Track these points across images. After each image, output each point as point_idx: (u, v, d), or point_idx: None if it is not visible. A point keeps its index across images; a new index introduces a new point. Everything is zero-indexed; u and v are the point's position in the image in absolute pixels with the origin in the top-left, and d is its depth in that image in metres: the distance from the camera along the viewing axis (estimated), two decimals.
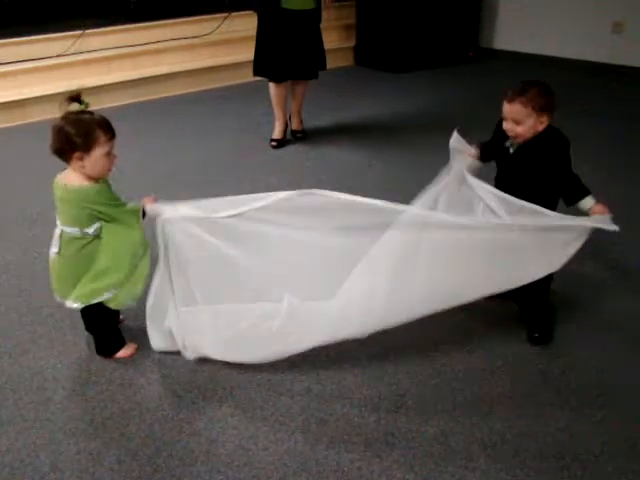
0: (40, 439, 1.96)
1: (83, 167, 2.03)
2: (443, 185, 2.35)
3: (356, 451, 1.92)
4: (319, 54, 4.39)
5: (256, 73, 4.42)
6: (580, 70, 6.49)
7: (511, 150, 2.33)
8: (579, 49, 6.59)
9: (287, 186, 3.69)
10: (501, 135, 2.35)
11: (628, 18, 6.32)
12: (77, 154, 2.01)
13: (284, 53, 4.20)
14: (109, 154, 2.06)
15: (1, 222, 3.40)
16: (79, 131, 2.00)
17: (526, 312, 2.48)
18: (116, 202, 2.09)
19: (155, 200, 2.16)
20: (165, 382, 2.20)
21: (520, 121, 2.22)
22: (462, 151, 2.46)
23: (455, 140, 2.49)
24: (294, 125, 4.58)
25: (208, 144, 4.54)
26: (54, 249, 2.14)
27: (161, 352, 2.31)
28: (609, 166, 4.05)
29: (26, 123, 4.94)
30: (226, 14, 6.17)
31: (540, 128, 2.24)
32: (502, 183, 2.33)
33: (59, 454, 1.91)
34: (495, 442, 1.96)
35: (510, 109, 2.24)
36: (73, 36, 5.48)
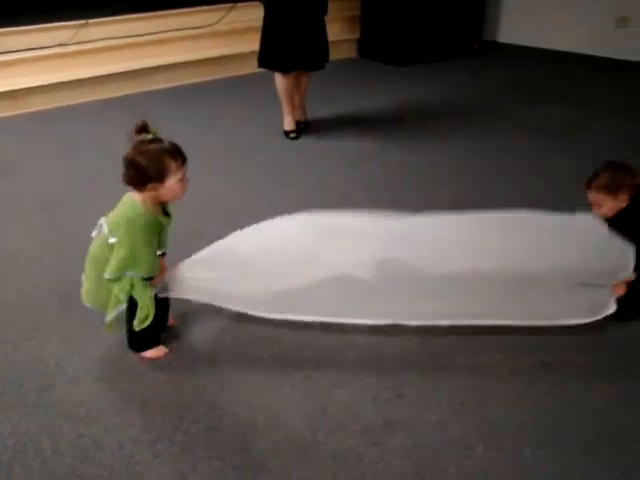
0: (42, 424, 1.98)
1: (157, 195, 2.06)
2: None
3: (355, 438, 1.93)
4: (324, 45, 4.39)
5: (262, 65, 4.40)
6: (584, 64, 6.48)
7: None
8: (583, 43, 6.56)
9: (294, 177, 3.80)
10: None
11: (632, 13, 6.30)
12: (150, 185, 2.02)
13: (292, 43, 4.19)
14: (182, 179, 2.06)
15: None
16: (150, 162, 2.00)
17: None
18: (146, 241, 2.06)
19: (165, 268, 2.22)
20: (166, 370, 2.22)
21: (600, 204, 2.42)
22: None
23: None
24: (298, 116, 4.58)
25: (214, 135, 4.54)
26: (94, 233, 2.16)
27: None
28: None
29: (28, 112, 4.95)
30: (232, 4, 6.16)
31: (623, 205, 2.41)
32: None
33: (60, 438, 1.93)
34: (494, 431, 1.97)
35: (590, 195, 2.45)
36: (75, 26, 5.47)
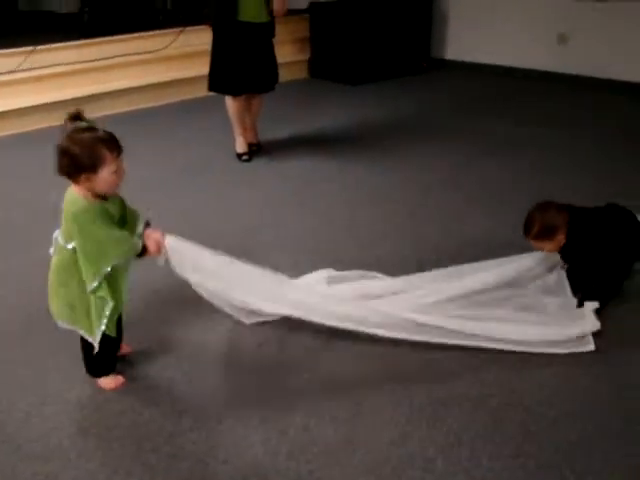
0: None
1: (92, 187, 1.98)
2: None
3: (316, 461, 1.93)
4: (274, 67, 4.43)
5: (212, 89, 4.43)
6: (528, 79, 6.67)
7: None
8: (527, 58, 6.76)
9: (249, 198, 3.80)
10: None
11: (572, 29, 6.52)
12: (84, 175, 1.94)
13: (241, 66, 4.22)
14: (117, 171, 1.99)
15: None
16: (84, 151, 1.92)
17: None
18: (103, 224, 1.99)
19: (162, 238, 2.14)
20: (123, 401, 2.19)
21: (541, 248, 2.66)
22: None
23: None
24: (249, 138, 4.59)
25: (167, 159, 4.53)
26: (51, 250, 2.11)
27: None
28: (551, 168, 4.19)
29: None
30: (181, 29, 6.17)
31: (563, 242, 2.60)
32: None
33: (14, 478, 1.89)
34: (452, 444, 2.00)
35: (530, 242, 2.67)
36: (24, 52, 5.40)
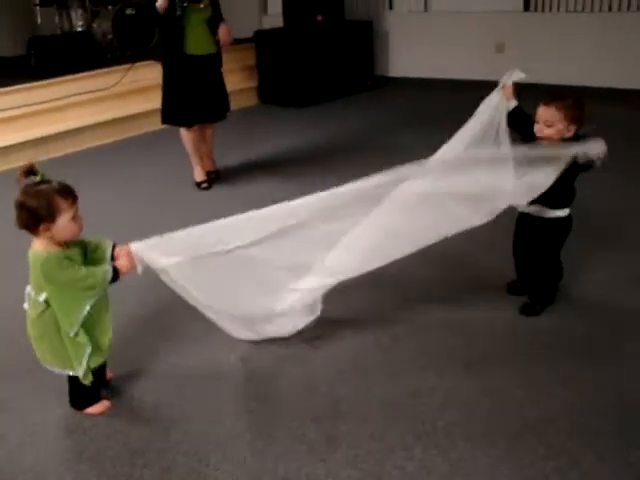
0: None
1: (52, 236, 2.07)
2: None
3: (301, 459, 2.05)
4: (224, 96, 4.57)
5: (165, 121, 4.54)
6: (469, 89, 6.92)
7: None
8: (467, 69, 7.05)
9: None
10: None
11: (507, 38, 6.84)
12: (43, 226, 2.04)
13: (192, 98, 4.35)
14: (74, 218, 2.08)
15: None
16: (40, 203, 2.02)
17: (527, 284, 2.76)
18: (69, 270, 2.08)
19: (126, 246, 2.23)
20: (111, 423, 2.27)
21: (552, 124, 2.45)
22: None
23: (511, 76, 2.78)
24: (207, 166, 4.71)
25: (126, 194, 4.60)
26: (25, 305, 2.19)
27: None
28: None
29: None
30: (130, 65, 6.27)
31: (567, 135, 2.47)
32: None
33: None
34: (428, 432, 2.13)
35: (544, 112, 2.47)
36: None
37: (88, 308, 2.12)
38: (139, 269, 2.24)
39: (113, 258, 2.22)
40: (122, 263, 2.20)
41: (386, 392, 2.34)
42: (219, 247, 2.41)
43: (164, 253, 2.31)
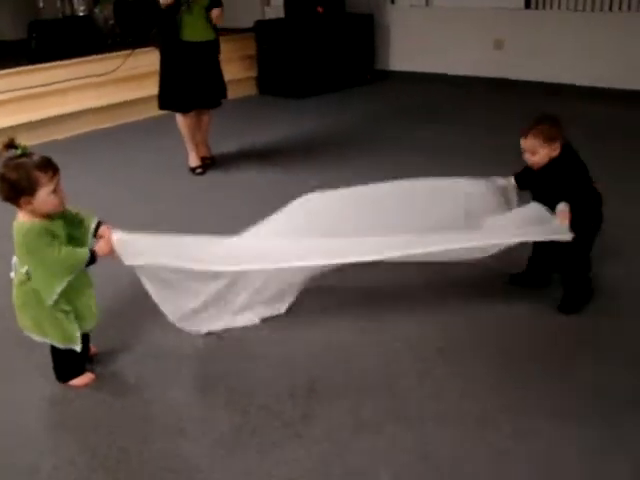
0: None
1: (33, 209, 2.13)
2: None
3: (277, 434, 2.12)
4: (221, 83, 4.62)
5: (162, 107, 4.61)
6: (467, 85, 7.00)
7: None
8: (466, 65, 7.10)
9: (204, 209, 3.97)
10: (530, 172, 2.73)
11: (506, 35, 6.88)
12: (24, 199, 2.10)
13: (188, 84, 4.41)
14: (55, 191, 2.13)
15: None
16: (20, 176, 2.07)
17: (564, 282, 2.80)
18: (48, 244, 2.13)
19: (109, 231, 2.29)
20: (94, 395, 2.34)
21: (535, 151, 2.60)
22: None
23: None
24: (202, 153, 4.77)
25: (122, 177, 4.66)
26: (12, 274, 2.25)
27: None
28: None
29: None
30: (130, 51, 6.32)
31: (554, 154, 2.60)
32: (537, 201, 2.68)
33: None
34: (399, 409, 2.20)
35: (525, 143, 2.63)
36: None
37: (65, 283, 2.18)
38: (122, 260, 2.32)
39: (96, 234, 2.29)
40: (101, 246, 2.27)
41: (361, 372, 2.41)
42: (200, 265, 2.50)
43: (141, 252, 2.37)
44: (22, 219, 2.15)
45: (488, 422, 2.14)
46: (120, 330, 2.70)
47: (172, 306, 2.57)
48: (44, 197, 2.10)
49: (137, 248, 2.36)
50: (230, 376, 2.42)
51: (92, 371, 2.43)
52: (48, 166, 2.12)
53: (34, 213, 2.14)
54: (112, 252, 2.29)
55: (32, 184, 2.08)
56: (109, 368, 2.48)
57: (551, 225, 2.51)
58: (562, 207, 2.52)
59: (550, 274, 2.91)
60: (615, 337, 2.57)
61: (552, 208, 2.55)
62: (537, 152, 2.60)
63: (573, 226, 2.49)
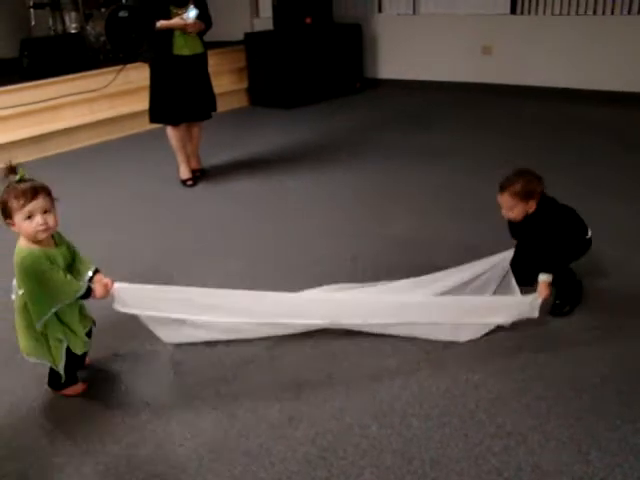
0: None
1: (20, 233, 2.20)
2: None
3: (263, 436, 2.16)
4: (211, 96, 4.69)
5: (153, 120, 4.67)
6: (456, 91, 7.07)
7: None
8: (455, 71, 7.18)
9: (196, 220, 4.02)
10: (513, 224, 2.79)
11: (494, 41, 6.97)
12: (8, 222, 2.19)
13: (178, 97, 4.47)
14: (30, 218, 2.16)
15: None
16: (2, 200, 2.17)
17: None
18: (45, 272, 2.18)
19: (111, 283, 2.35)
20: (85, 403, 2.38)
21: (512, 208, 2.66)
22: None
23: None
24: (193, 165, 4.83)
25: (114, 191, 4.70)
26: (12, 295, 2.30)
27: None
28: (484, 171, 4.50)
29: None
30: (120, 67, 6.38)
31: (530, 210, 2.66)
32: (520, 251, 2.80)
33: None
34: (385, 412, 2.24)
35: (501, 199, 2.69)
36: None
37: (55, 309, 2.24)
38: (116, 306, 2.39)
39: (90, 280, 2.35)
40: (97, 289, 2.33)
41: (348, 376, 2.45)
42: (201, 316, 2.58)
43: (140, 304, 2.44)
44: (21, 244, 2.22)
45: (473, 422, 2.17)
46: (114, 339, 2.73)
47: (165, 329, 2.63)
48: (18, 222, 2.17)
49: (137, 299, 2.43)
50: (218, 381, 2.46)
51: (84, 380, 2.47)
52: (23, 194, 2.15)
53: (27, 238, 2.20)
54: (107, 296, 2.36)
55: (7, 210, 2.17)
56: (100, 375, 2.52)
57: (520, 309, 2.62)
58: (544, 278, 2.62)
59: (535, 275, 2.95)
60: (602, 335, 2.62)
61: (536, 254, 2.67)
62: (513, 209, 2.67)
63: (554, 260, 2.65)
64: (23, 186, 2.18)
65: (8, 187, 2.18)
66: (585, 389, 2.30)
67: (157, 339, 2.68)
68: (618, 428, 2.11)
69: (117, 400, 2.38)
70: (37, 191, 2.18)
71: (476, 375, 2.41)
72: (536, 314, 2.60)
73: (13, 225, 2.19)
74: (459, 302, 2.69)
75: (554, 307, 2.78)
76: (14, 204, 2.16)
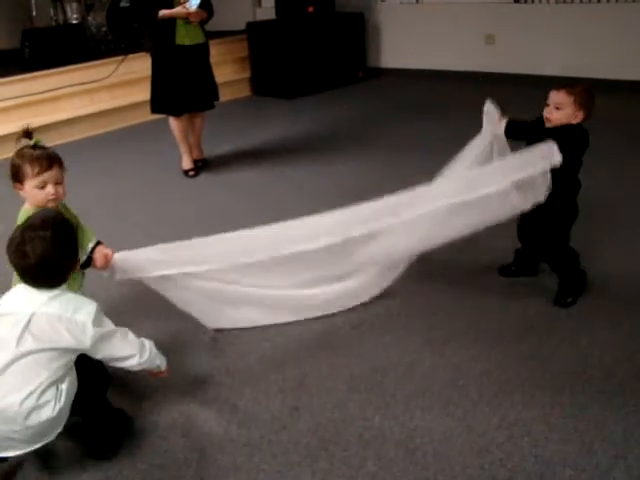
0: None
1: (25, 198, 2.20)
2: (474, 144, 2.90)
3: (265, 427, 2.15)
4: (212, 85, 4.65)
5: (154, 111, 4.64)
6: (459, 80, 7.01)
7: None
8: (457, 61, 7.12)
9: (196, 210, 4.00)
10: (537, 125, 2.67)
11: (497, 31, 6.91)
12: (17, 185, 2.19)
13: (181, 87, 4.43)
14: (43, 187, 2.16)
15: None
16: (15, 164, 2.17)
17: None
18: None
19: (111, 254, 2.31)
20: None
21: (561, 107, 2.54)
22: (493, 116, 2.87)
23: (488, 107, 2.91)
24: (195, 155, 4.80)
25: (116, 181, 4.69)
26: None
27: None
28: None
29: None
30: (122, 57, 6.35)
31: (573, 121, 2.54)
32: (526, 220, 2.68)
33: None
34: (388, 403, 2.23)
35: (555, 95, 2.56)
36: None
37: None
38: (106, 274, 2.34)
39: (91, 252, 2.33)
40: (98, 258, 2.31)
41: (350, 367, 2.43)
42: (201, 267, 2.47)
43: (143, 267, 2.39)
44: (27, 207, 2.21)
45: (477, 413, 2.16)
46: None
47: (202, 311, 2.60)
48: (28, 189, 2.17)
49: (138, 264, 2.38)
50: (220, 372, 2.45)
51: None
52: (38, 162, 2.15)
53: (34, 205, 2.19)
54: (107, 266, 2.32)
55: (20, 175, 2.16)
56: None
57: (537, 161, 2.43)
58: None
59: (537, 264, 2.93)
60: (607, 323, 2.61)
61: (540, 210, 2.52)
62: (563, 108, 2.53)
63: (550, 212, 2.52)
64: (38, 153, 2.17)
65: (22, 150, 2.17)
66: (589, 380, 2.29)
67: (157, 328, 2.66)
68: (622, 419, 2.09)
69: (119, 392, 2.36)
70: (53, 161, 2.19)
71: (479, 365, 2.40)
72: (558, 158, 2.37)
73: (21, 190, 2.18)
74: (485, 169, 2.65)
75: (557, 297, 2.76)
76: (28, 170, 2.15)
